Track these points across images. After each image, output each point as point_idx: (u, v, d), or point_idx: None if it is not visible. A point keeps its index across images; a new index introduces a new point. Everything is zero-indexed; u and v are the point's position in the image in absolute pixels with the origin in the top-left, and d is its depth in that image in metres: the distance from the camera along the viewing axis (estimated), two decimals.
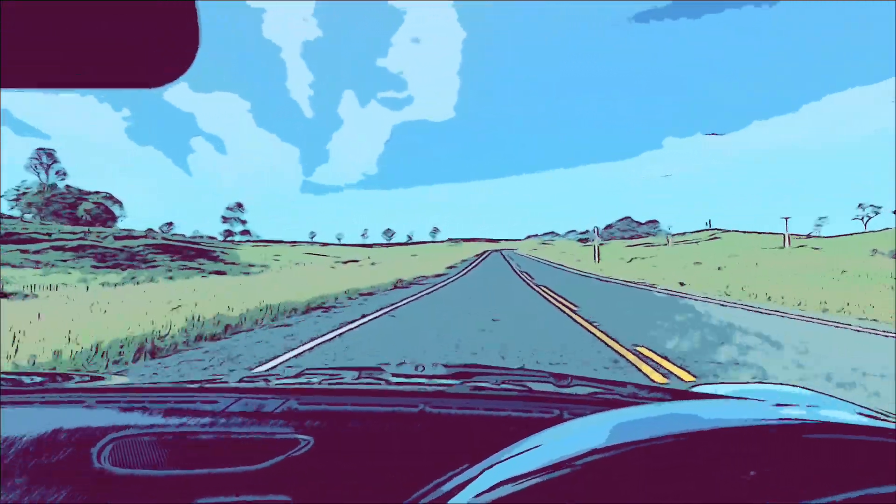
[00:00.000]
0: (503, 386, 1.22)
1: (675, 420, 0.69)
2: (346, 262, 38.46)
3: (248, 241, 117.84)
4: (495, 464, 0.70)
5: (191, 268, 44.15)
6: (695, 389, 1.19)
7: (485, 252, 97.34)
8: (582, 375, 1.32)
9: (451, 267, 42.03)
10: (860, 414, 0.74)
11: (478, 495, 0.62)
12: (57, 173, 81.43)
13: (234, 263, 52.89)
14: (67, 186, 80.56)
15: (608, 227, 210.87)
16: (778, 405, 0.73)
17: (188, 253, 58.10)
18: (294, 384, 1.26)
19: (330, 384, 1.24)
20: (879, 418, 0.70)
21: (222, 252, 64.60)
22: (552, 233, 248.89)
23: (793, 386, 1.25)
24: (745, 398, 1.01)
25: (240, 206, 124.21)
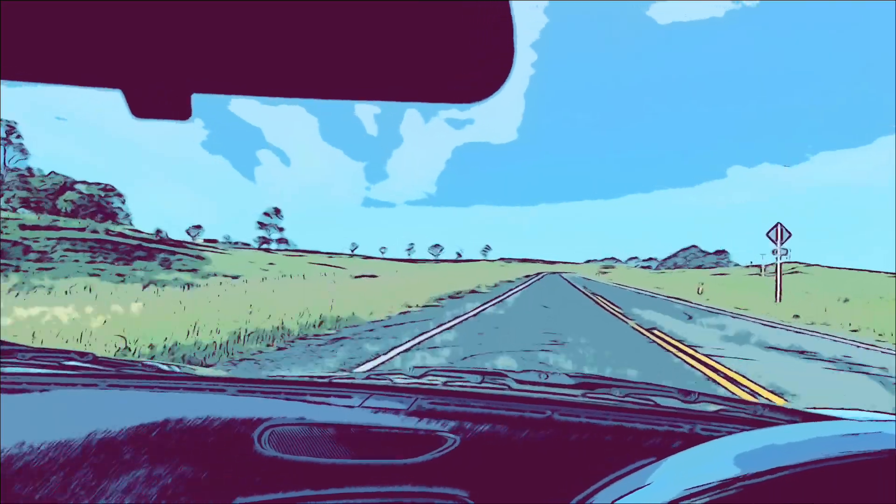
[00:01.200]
0: (628, 399, 1.21)
1: (821, 443, 0.73)
2: (357, 277, 27.44)
3: (279, 249, 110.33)
4: (652, 476, 0.77)
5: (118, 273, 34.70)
6: (817, 412, 1.15)
7: (539, 274, 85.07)
8: (706, 392, 1.26)
9: (495, 286, 34.81)
10: None
11: None
12: (22, 151, 73.30)
13: (192, 270, 43.51)
14: (52, 172, 73.25)
15: (673, 255, 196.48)
16: None
17: (137, 254, 48.39)
18: (420, 384, 1.30)
19: (454, 387, 1.27)
20: None
21: (188, 256, 55.29)
22: (613, 258, 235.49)
23: None
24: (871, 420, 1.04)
25: (277, 211, 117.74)
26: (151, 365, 1.38)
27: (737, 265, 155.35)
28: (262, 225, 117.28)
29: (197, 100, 0.40)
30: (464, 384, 1.31)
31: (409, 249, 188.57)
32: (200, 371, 1.44)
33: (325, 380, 1.30)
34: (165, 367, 1.39)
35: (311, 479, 0.91)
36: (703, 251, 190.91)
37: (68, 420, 1.01)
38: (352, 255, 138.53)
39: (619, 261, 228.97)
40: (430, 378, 1.38)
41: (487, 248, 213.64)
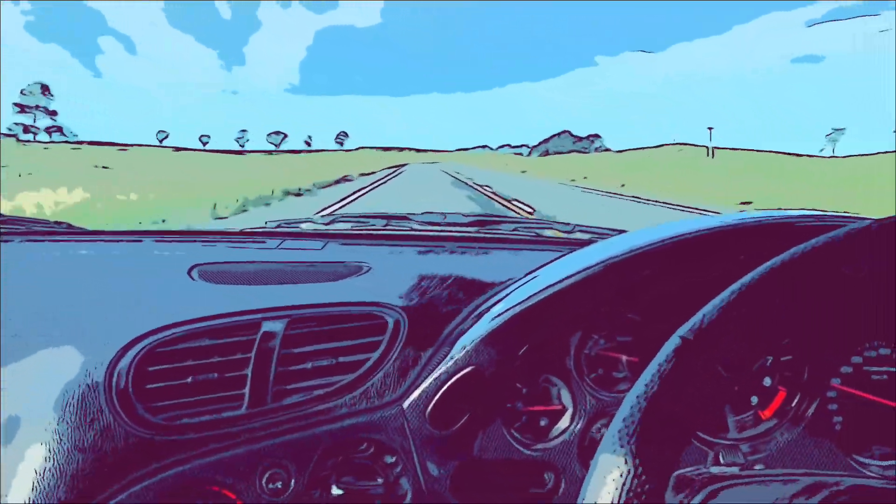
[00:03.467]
0: (516, 232, 1.41)
1: (663, 231, 0.91)
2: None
3: (48, 141, 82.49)
4: (518, 286, 0.98)
5: None
6: None
7: (397, 169, 65.66)
8: (582, 224, 1.48)
9: None
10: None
11: (518, 303, 0.89)
12: None
13: None
14: None
15: (543, 141, 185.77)
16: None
17: None
18: (329, 230, 1.44)
19: (361, 230, 1.41)
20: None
21: None
22: (485, 146, 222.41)
23: None
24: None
25: (45, 90, 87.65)
26: (61, 222, 1.44)
27: (607, 150, 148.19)
28: (21, 108, 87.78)
29: None
30: (371, 228, 1.45)
31: (239, 139, 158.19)
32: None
33: (237, 230, 1.41)
34: (77, 226, 1.44)
35: (245, 301, 0.97)
36: (574, 136, 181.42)
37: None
38: (161, 146, 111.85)
39: (491, 148, 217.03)
40: (338, 224, 1.50)
41: (343, 134, 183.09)
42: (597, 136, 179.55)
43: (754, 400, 0.94)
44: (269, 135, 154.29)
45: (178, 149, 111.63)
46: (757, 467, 0.90)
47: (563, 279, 0.89)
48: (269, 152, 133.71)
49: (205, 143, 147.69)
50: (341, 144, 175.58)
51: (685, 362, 0.47)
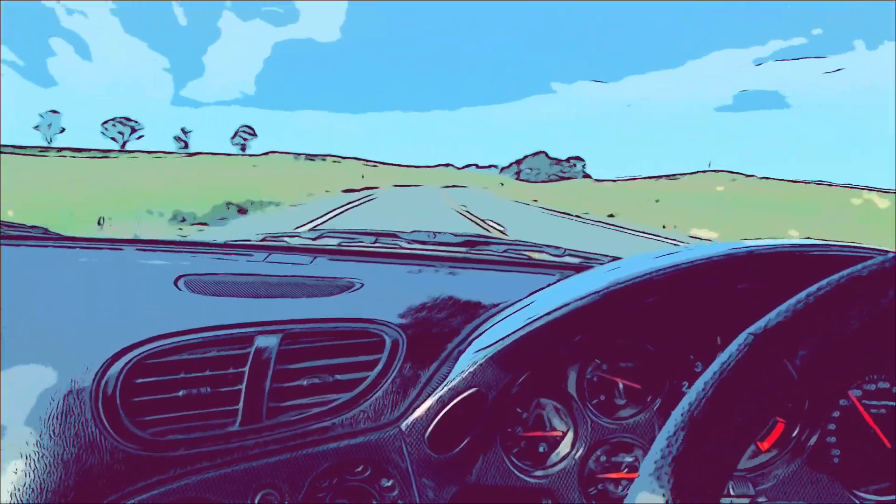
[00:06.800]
0: (506, 254, 1.39)
1: (665, 258, 0.90)
2: None
3: None
4: (518, 309, 0.96)
5: None
6: None
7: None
8: (571, 248, 1.48)
9: None
10: None
11: (503, 337, 0.87)
12: None
13: None
14: None
15: (516, 161, 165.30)
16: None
17: None
18: (316, 245, 1.41)
19: (350, 247, 1.40)
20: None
21: None
22: (448, 164, 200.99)
23: None
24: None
25: None
26: (36, 226, 1.40)
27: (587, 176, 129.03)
28: None
29: None
30: (359, 245, 1.42)
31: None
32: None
33: (220, 241, 1.39)
34: (54, 232, 1.41)
35: (237, 313, 0.95)
36: (552, 158, 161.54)
37: None
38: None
39: (456, 167, 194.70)
40: (326, 240, 1.48)
41: (247, 131, 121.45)
42: (578, 158, 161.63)
43: None
44: (106, 124, 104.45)
45: (62, 149, 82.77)
46: (761, 499, 0.92)
47: (566, 304, 0.88)
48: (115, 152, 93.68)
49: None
50: (243, 148, 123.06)
51: (754, 360, 0.43)
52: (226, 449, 0.84)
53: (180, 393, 0.85)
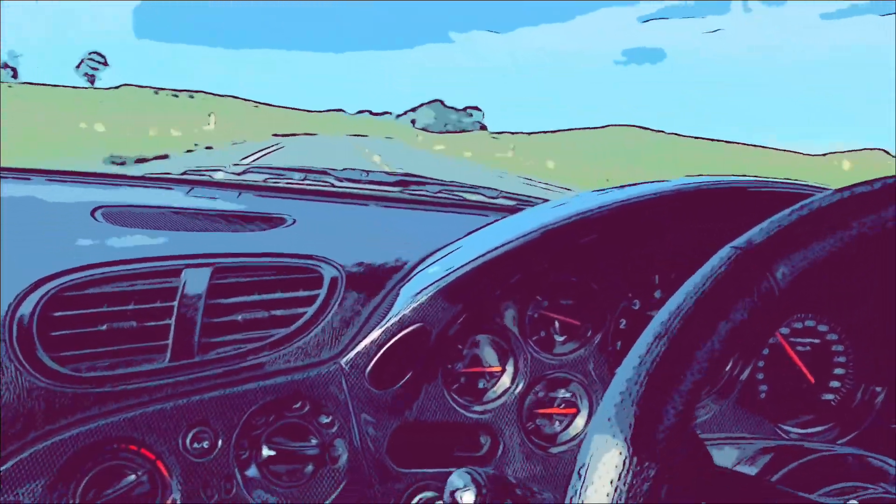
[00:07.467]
0: (441, 195, 1.39)
1: (606, 196, 0.93)
2: None
3: None
4: (457, 248, 0.96)
5: None
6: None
7: None
8: (506, 190, 1.47)
9: None
10: None
11: (448, 272, 0.88)
12: None
13: None
14: None
15: (410, 109, 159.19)
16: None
17: None
18: (242, 181, 1.36)
19: (278, 183, 1.35)
20: None
21: None
22: (340, 109, 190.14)
23: None
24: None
25: None
26: None
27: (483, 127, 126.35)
28: None
29: None
30: (288, 181, 1.38)
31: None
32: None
33: (139, 175, 1.34)
34: None
35: (162, 246, 0.93)
36: (448, 106, 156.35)
37: None
38: None
39: (347, 112, 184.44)
40: (252, 175, 1.42)
41: (96, 59, 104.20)
42: (476, 108, 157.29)
43: None
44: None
45: None
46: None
47: (509, 241, 0.89)
48: None
49: None
50: (91, 80, 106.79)
51: (738, 273, 0.40)
52: (154, 386, 0.80)
53: (103, 327, 0.80)
